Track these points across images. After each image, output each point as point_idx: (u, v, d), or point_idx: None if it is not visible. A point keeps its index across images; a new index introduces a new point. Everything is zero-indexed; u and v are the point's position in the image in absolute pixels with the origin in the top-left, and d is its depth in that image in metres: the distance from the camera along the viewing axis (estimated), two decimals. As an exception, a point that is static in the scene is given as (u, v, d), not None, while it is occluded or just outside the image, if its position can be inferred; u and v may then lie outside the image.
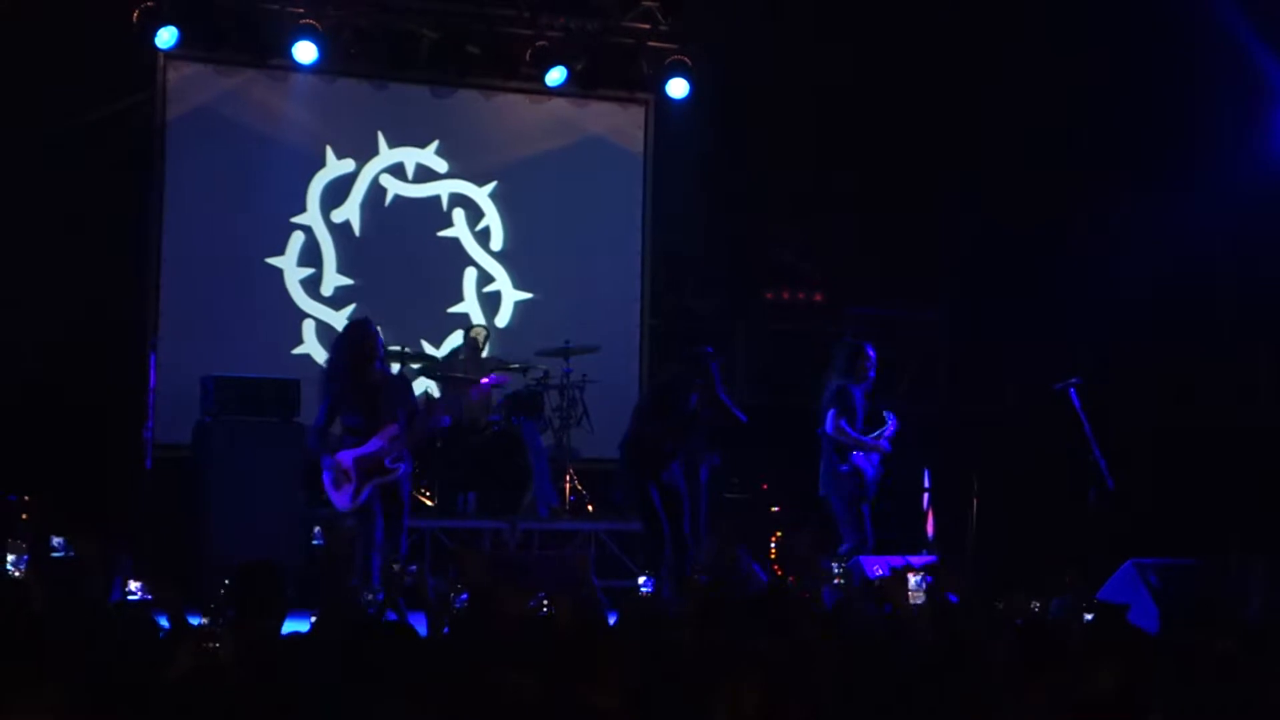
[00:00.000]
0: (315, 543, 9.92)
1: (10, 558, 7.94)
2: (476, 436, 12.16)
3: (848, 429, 10.48)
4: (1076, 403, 10.59)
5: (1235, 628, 5.71)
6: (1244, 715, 4.60)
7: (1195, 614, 7.05)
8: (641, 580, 9.05)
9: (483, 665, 4.46)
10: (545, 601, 6.08)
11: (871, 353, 10.55)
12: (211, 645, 4.58)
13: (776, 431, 12.22)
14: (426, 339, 13.16)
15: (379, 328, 9.53)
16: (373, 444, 9.17)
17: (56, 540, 7.99)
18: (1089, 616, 5.83)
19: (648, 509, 10.02)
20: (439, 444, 11.77)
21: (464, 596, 6.22)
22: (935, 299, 14.54)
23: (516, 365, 12.61)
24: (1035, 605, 6.98)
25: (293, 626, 5.97)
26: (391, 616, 6.35)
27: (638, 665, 4.32)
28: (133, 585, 6.95)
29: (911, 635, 5.40)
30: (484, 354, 12.80)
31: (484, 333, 12.91)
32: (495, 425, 12.33)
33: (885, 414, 10.64)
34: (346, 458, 9.18)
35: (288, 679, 4.51)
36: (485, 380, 10.35)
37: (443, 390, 12.52)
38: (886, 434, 10.61)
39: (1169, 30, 12.72)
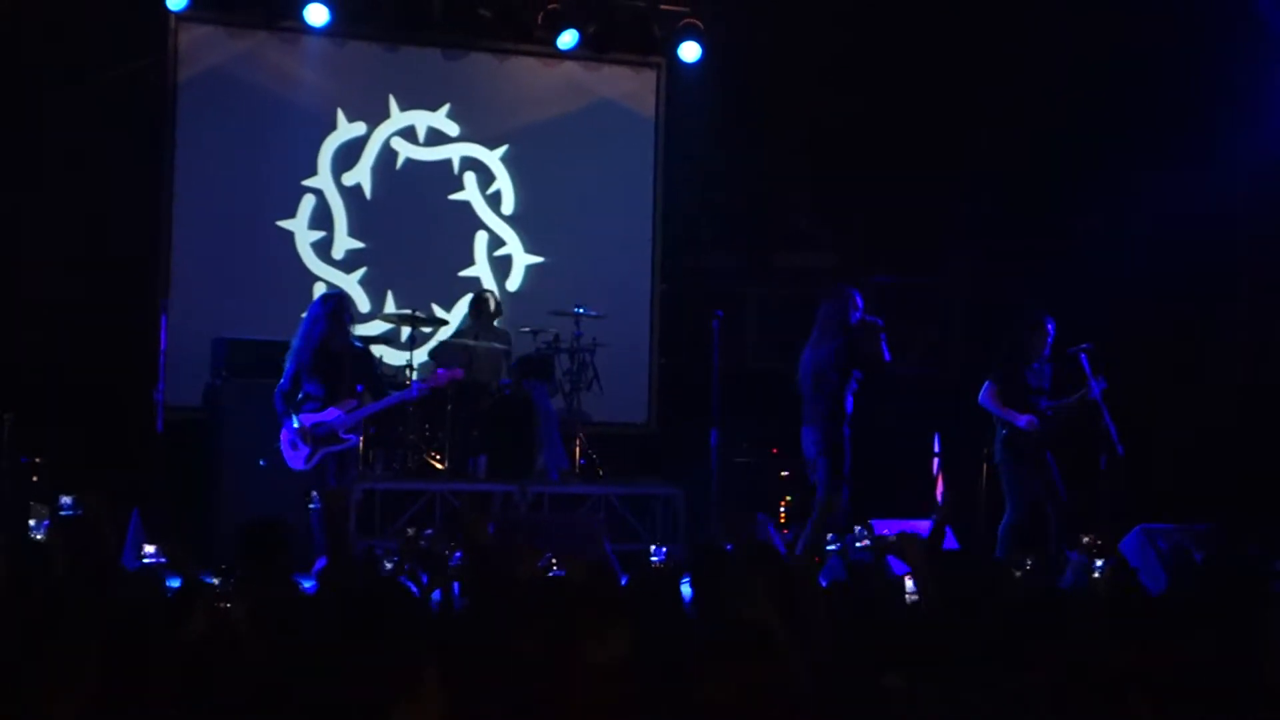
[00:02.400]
0: (312, 507, 10.03)
1: (31, 522, 7.99)
2: (487, 400, 12.15)
3: (1001, 402, 10.58)
4: (1088, 368, 10.57)
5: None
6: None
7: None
8: (653, 549, 9.12)
9: (488, 627, 4.46)
10: (555, 562, 6.08)
11: (1050, 325, 10.59)
12: (223, 605, 4.61)
13: (787, 397, 12.19)
14: (437, 303, 13.16)
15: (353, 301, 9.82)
16: (330, 413, 9.41)
17: (65, 499, 8.02)
18: (1100, 563, 5.79)
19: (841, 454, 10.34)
20: (449, 407, 11.77)
21: (457, 555, 6.22)
22: (948, 265, 14.49)
23: (528, 329, 12.57)
24: (1028, 563, 6.97)
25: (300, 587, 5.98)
26: (407, 584, 6.35)
27: (650, 628, 4.31)
28: (148, 549, 6.98)
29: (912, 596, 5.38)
30: (496, 321, 12.72)
31: (494, 298, 12.83)
32: (506, 389, 12.32)
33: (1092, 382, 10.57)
34: (307, 420, 9.43)
35: (296, 638, 4.52)
36: (441, 373, 10.52)
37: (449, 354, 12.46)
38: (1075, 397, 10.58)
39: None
